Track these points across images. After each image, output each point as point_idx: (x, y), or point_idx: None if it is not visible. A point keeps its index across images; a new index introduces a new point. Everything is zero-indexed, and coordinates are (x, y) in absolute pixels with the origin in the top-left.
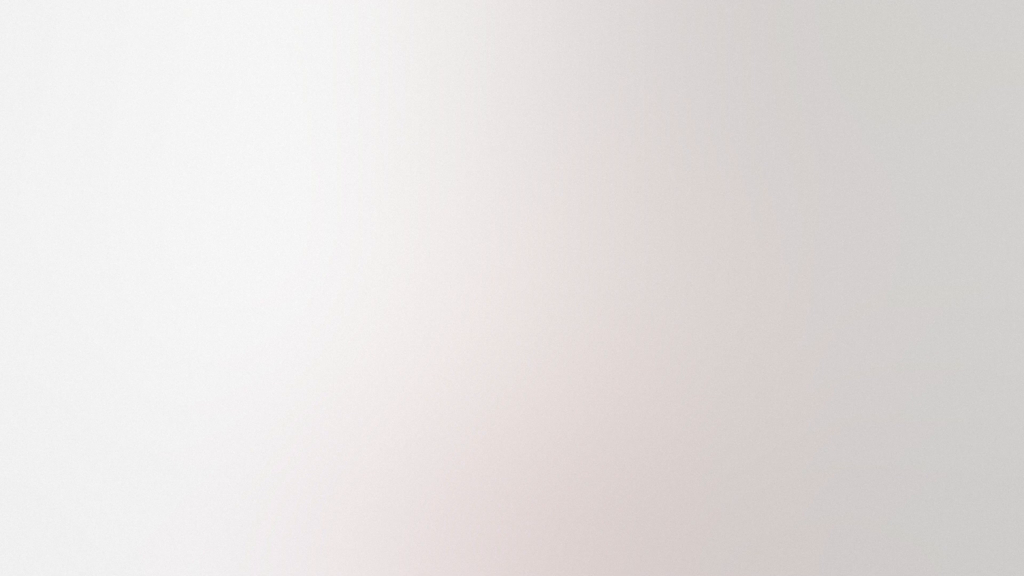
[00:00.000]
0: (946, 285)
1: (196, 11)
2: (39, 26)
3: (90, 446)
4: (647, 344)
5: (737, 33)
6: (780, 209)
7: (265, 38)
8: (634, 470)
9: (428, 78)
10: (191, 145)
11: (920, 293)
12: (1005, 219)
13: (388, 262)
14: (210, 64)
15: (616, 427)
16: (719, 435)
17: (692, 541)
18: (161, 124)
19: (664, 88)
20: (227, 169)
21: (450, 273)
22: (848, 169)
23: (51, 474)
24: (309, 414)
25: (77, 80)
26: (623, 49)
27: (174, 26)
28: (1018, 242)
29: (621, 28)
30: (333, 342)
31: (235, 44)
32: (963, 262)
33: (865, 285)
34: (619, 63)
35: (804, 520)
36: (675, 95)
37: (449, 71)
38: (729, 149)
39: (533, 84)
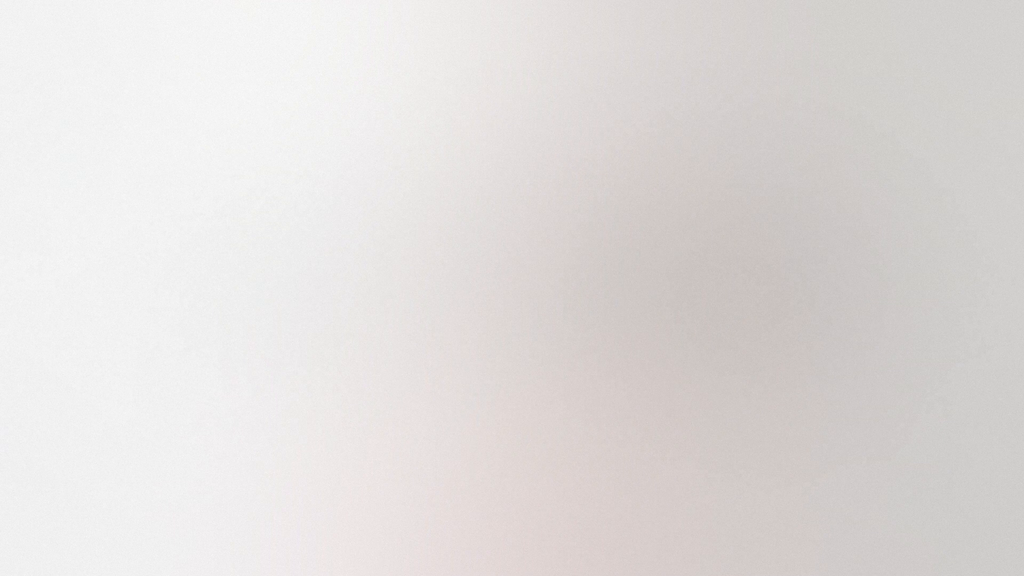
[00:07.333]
0: (947, 284)
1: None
2: (39, 26)
3: (90, 445)
4: (646, 342)
5: (736, 35)
6: (778, 209)
7: (264, 36)
8: (633, 470)
9: (427, 77)
10: (191, 146)
11: (920, 293)
12: (1006, 219)
13: (384, 260)
14: (208, 69)
15: (615, 427)
16: (719, 434)
17: (691, 540)
18: (162, 126)
19: (664, 88)
20: (223, 169)
21: (451, 274)
22: (848, 168)
23: (51, 473)
24: (309, 414)
25: (78, 78)
26: (623, 51)
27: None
28: (1018, 242)
29: (621, 29)
30: (332, 342)
31: (234, 44)
32: (964, 262)
33: (865, 285)
34: (618, 64)
35: (804, 519)
36: (676, 94)
37: (447, 70)
38: (727, 149)
39: (533, 82)
